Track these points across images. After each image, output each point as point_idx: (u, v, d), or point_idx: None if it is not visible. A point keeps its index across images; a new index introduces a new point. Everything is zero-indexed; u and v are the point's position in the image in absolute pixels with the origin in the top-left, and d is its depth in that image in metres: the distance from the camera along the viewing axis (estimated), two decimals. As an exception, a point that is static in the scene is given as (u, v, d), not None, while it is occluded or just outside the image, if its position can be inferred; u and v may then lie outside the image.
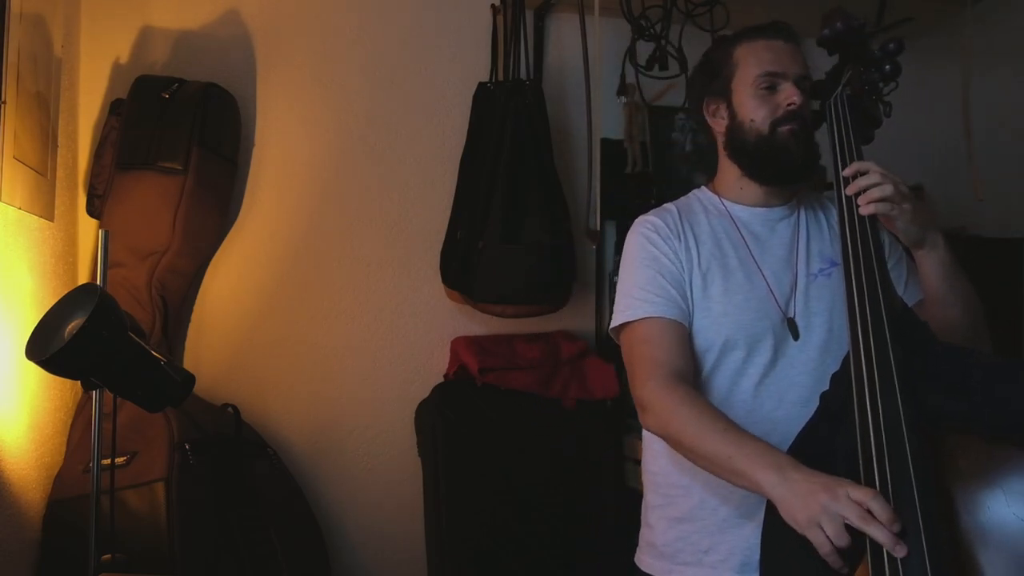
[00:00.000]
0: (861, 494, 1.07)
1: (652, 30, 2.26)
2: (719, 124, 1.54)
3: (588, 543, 2.19)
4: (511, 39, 2.33)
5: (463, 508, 2.13)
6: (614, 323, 1.50)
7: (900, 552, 1.03)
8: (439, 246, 2.28)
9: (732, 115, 1.51)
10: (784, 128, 1.45)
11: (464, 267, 2.19)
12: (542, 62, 2.46)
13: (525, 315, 2.24)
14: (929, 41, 2.74)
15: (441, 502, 2.13)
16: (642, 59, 2.29)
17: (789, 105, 1.45)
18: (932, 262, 1.38)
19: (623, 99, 2.39)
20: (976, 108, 2.45)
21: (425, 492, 2.18)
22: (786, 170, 1.49)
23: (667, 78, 2.31)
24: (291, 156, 2.29)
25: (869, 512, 1.06)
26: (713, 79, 1.55)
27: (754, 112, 1.47)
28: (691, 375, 1.42)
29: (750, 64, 1.49)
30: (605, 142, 2.31)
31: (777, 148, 1.46)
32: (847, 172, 1.38)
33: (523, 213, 2.19)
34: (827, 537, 1.07)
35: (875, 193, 1.34)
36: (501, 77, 2.35)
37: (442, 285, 2.27)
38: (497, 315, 2.23)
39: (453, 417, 2.17)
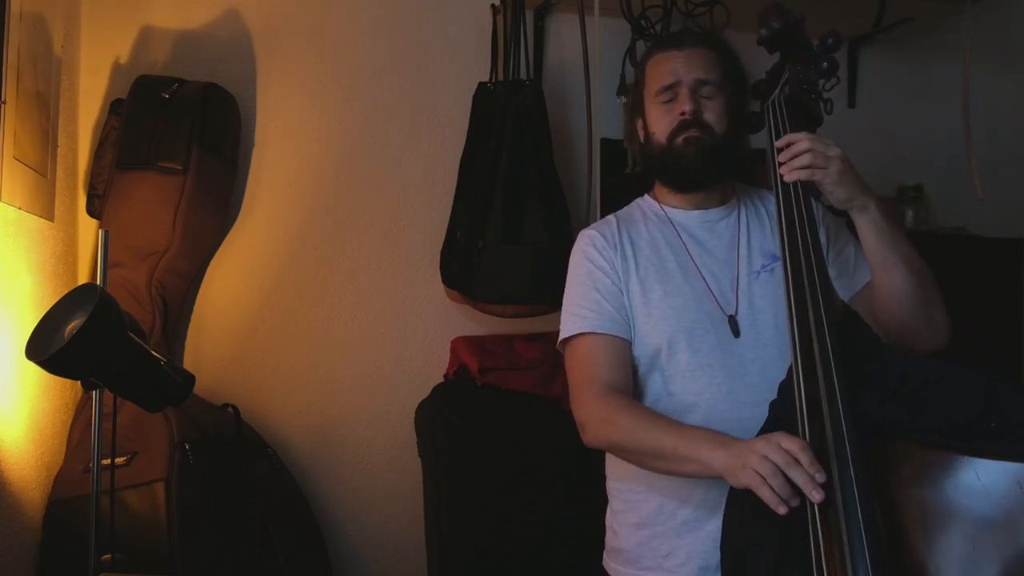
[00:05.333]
0: (792, 443, 1.14)
1: (652, 30, 2.26)
2: (640, 136, 1.58)
3: (588, 543, 2.18)
4: (511, 39, 2.33)
5: (463, 508, 2.13)
6: (559, 341, 1.54)
7: (816, 497, 1.10)
8: (439, 246, 2.28)
9: (645, 129, 1.55)
10: (680, 138, 1.48)
11: (464, 267, 2.19)
12: (542, 62, 2.46)
13: (525, 315, 2.24)
14: (929, 41, 2.75)
15: (441, 502, 2.13)
16: (642, 59, 2.29)
17: (681, 115, 1.47)
18: (865, 225, 1.38)
19: (623, 99, 2.38)
20: (976, 108, 2.45)
21: (425, 492, 2.17)
22: (689, 178, 1.52)
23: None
24: (291, 156, 2.29)
25: (796, 460, 1.12)
26: (634, 95, 1.60)
27: (655, 125, 1.52)
28: (627, 386, 1.45)
29: (652, 79, 1.53)
30: (605, 142, 2.30)
31: (675, 157, 1.49)
32: (779, 144, 1.39)
33: (523, 213, 2.19)
34: (762, 479, 1.13)
35: (796, 161, 1.35)
36: (501, 77, 2.35)
37: (442, 285, 2.27)
38: (497, 315, 2.23)
39: (453, 417, 2.17)
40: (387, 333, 2.34)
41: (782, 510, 1.12)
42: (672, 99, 1.49)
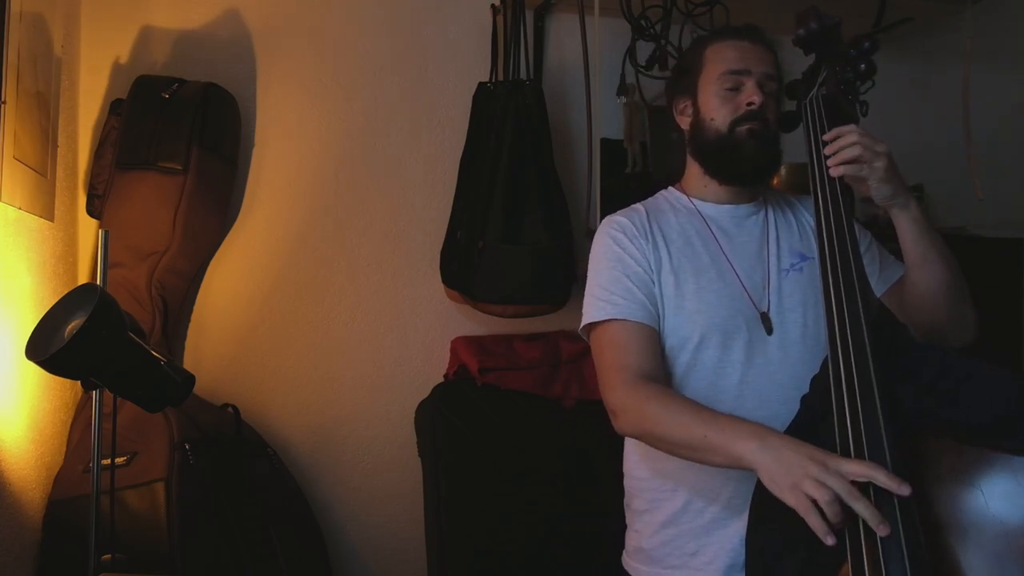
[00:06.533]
0: (860, 468, 1.07)
1: (652, 30, 2.26)
2: (685, 122, 1.56)
3: (588, 543, 2.19)
4: (511, 39, 2.33)
5: (463, 508, 2.13)
6: (582, 324, 1.51)
7: (883, 531, 1.03)
8: (439, 246, 2.28)
9: (696, 113, 1.53)
10: (742, 128, 1.46)
11: (464, 267, 2.19)
12: (542, 62, 2.46)
13: (525, 315, 2.24)
14: (929, 41, 2.75)
15: (441, 502, 2.13)
16: (642, 59, 2.30)
17: (749, 105, 1.46)
18: (906, 221, 1.39)
19: (623, 99, 2.39)
20: (976, 108, 2.45)
21: (425, 492, 2.17)
22: (743, 170, 1.50)
23: (667, 78, 2.30)
24: (291, 156, 2.29)
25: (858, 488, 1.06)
26: (683, 77, 1.57)
27: (715, 111, 1.49)
28: (659, 376, 1.42)
29: (715, 63, 1.50)
30: (605, 142, 2.31)
31: (734, 147, 1.47)
32: (827, 137, 1.39)
33: (523, 213, 2.19)
34: (812, 503, 1.07)
35: (845, 154, 1.35)
36: (501, 77, 2.35)
37: (442, 285, 2.27)
38: (497, 315, 2.22)
39: (453, 417, 2.17)
40: (387, 333, 2.34)
41: (830, 540, 1.05)
42: (736, 87, 1.47)
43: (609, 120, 2.37)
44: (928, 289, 1.40)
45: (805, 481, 1.08)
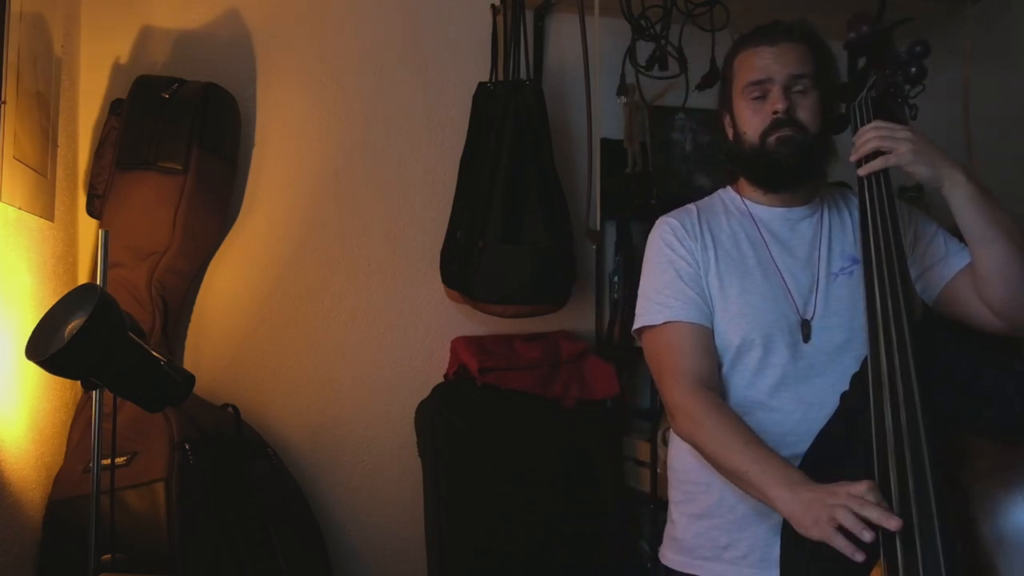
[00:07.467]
0: (857, 487, 1.14)
1: (652, 30, 2.26)
2: (730, 134, 1.55)
3: (588, 542, 2.19)
4: (511, 39, 2.33)
5: (463, 508, 2.13)
6: (635, 326, 1.53)
7: (893, 525, 1.09)
8: (439, 246, 2.28)
9: (733, 125, 1.52)
10: (772, 137, 1.44)
11: (464, 267, 2.19)
12: (542, 62, 2.46)
13: (525, 315, 2.24)
14: (929, 41, 2.74)
15: (441, 502, 2.13)
16: (642, 59, 2.30)
17: (774, 113, 1.44)
18: (957, 200, 1.38)
19: (623, 99, 2.39)
20: (976, 108, 2.45)
21: (425, 492, 2.18)
22: (781, 178, 1.49)
23: (667, 78, 2.31)
24: (291, 156, 2.29)
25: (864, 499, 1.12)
26: (722, 90, 1.57)
27: (747, 123, 1.48)
28: (715, 378, 1.45)
29: (741, 73, 1.49)
30: (605, 142, 2.31)
31: (767, 157, 1.46)
32: (854, 139, 1.40)
33: (523, 213, 2.19)
34: (835, 528, 1.13)
35: (862, 151, 1.38)
36: (501, 77, 2.35)
37: (442, 285, 2.27)
38: (497, 315, 2.23)
39: (453, 417, 2.17)
40: (387, 333, 2.34)
41: (859, 557, 1.11)
42: (762, 96, 1.45)
43: (609, 120, 2.37)
44: (991, 267, 1.38)
45: (823, 514, 1.15)
